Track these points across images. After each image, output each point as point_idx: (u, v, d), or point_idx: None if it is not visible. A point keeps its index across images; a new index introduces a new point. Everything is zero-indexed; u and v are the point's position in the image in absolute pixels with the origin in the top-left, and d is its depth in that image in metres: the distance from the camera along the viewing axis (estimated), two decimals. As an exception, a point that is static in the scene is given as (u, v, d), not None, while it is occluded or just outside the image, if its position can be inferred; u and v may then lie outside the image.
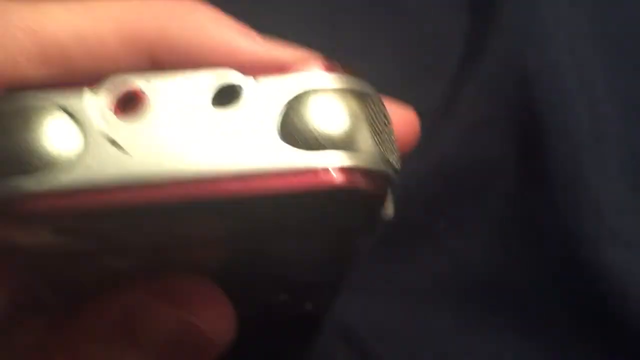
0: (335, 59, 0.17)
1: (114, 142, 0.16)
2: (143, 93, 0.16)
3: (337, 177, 0.15)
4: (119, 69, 0.17)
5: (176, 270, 0.20)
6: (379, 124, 0.17)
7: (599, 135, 0.30)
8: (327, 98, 0.16)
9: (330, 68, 0.17)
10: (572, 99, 0.30)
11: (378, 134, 0.17)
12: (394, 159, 0.17)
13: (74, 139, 0.16)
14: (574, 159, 0.29)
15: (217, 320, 0.20)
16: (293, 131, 0.16)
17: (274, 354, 0.28)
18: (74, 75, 0.17)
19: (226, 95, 0.16)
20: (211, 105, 0.16)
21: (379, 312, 0.29)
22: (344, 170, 0.16)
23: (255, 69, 0.16)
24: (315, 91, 0.16)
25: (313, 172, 0.15)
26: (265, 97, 0.16)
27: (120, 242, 0.17)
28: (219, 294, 0.20)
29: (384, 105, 0.17)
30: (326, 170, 0.15)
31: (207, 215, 0.16)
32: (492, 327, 0.28)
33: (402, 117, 0.21)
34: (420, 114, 0.30)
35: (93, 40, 0.18)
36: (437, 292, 0.29)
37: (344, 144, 0.16)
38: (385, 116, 0.17)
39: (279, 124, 0.16)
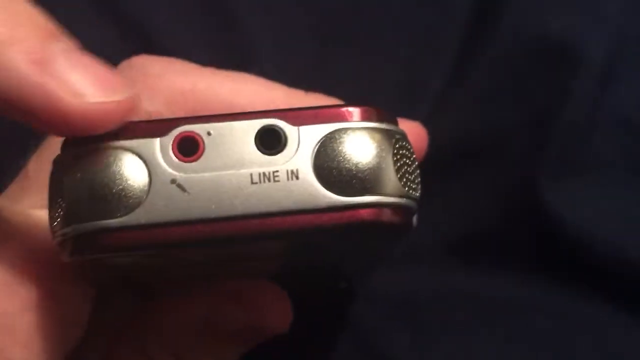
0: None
1: (176, 183, 0.18)
2: (201, 139, 0.19)
3: (366, 215, 0.18)
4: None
5: (240, 275, 0.23)
6: (404, 159, 0.19)
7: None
8: (355, 137, 0.19)
9: (360, 110, 0.19)
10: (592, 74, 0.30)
11: (403, 169, 0.19)
12: (417, 190, 0.20)
13: (144, 180, 0.18)
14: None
15: (279, 314, 0.23)
16: (326, 170, 0.18)
17: (311, 325, 0.29)
18: (144, 124, 0.19)
19: (271, 141, 0.19)
20: (257, 151, 0.19)
21: (405, 279, 0.30)
22: (372, 208, 0.18)
23: (296, 117, 0.19)
24: (344, 131, 0.19)
25: (346, 211, 0.18)
26: (302, 142, 0.19)
27: (185, 261, 0.20)
28: (278, 292, 0.23)
29: (408, 141, 0.20)
30: (357, 209, 0.18)
31: (258, 244, 0.19)
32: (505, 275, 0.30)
33: (412, 132, 0.22)
34: (429, 84, 0.32)
35: None
36: (449, 251, 0.31)
37: (372, 182, 0.18)
38: (409, 150, 0.20)
39: (313, 164, 0.18)
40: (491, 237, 0.31)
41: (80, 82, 0.17)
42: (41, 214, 0.22)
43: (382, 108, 0.20)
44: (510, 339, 0.29)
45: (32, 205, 0.22)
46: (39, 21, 0.18)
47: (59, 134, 0.18)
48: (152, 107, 0.22)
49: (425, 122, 0.27)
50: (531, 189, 0.30)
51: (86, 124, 0.18)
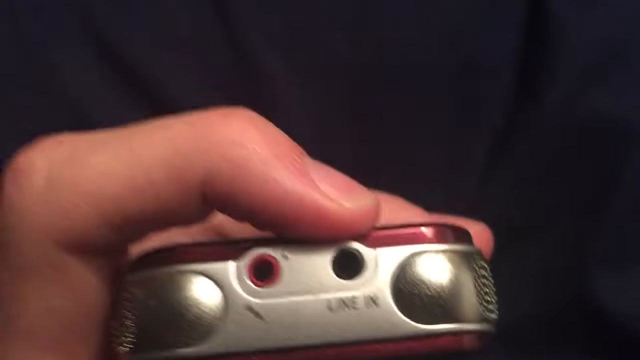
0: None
1: (252, 310, 0.18)
2: (277, 262, 0.18)
3: (448, 343, 0.18)
4: (171, 209, 0.18)
5: None
6: (482, 280, 0.19)
7: None
8: (435, 262, 0.18)
9: (437, 230, 0.19)
10: None
11: (482, 292, 0.19)
12: (495, 310, 0.19)
13: (219, 306, 0.18)
14: None
15: None
16: (406, 296, 0.18)
17: None
18: (217, 246, 0.19)
19: (348, 265, 0.18)
20: (334, 275, 0.18)
21: None
22: (453, 336, 0.18)
23: (373, 239, 0.18)
24: (423, 254, 0.18)
25: (427, 339, 0.18)
26: (380, 266, 0.18)
27: None
28: None
29: (486, 260, 0.19)
30: (438, 337, 0.18)
31: None
32: None
33: (480, 236, 0.22)
34: (474, 160, 0.31)
35: (147, 190, 0.18)
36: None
37: (454, 309, 0.18)
38: (487, 270, 0.19)
39: (392, 290, 0.18)
40: (537, 321, 0.30)
41: (333, 191, 0.18)
42: None
43: (457, 227, 0.19)
44: None
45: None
46: (290, 141, 0.19)
47: (319, 237, 0.18)
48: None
49: (470, 200, 0.26)
50: (579, 273, 0.29)
51: (347, 226, 0.18)
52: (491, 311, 0.19)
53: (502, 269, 0.30)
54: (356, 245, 0.18)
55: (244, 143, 0.18)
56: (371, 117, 0.32)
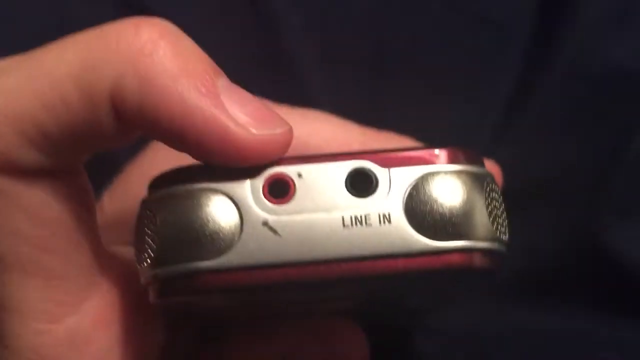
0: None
1: (268, 226, 0.18)
2: (292, 180, 0.19)
3: (458, 260, 0.18)
4: (87, 126, 0.18)
5: (319, 314, 0.23)
6: (494, 202, 0.19)
7: None
8: (447, 181, 0.19)
9: (450, 152, 0.19)
10: None
11: (494, 213, 0.19)
12: (507, 233, 0.19)
13: (236, 222, 0.18)
14: None
15: (357, 350, 0.23)
16: (418, 214, 0.18)
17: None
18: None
19: (362, 184, 0.18)
20: (348, 193, 0.18)
21: (468, 315, 0.30)
22: (464, 253, 0.18)
23: (386, 160, 0.19)
24: (436, 174, 0.19)
25: (439, 255, 0.18)
26: (394, 185, 0.18)
27: (270, 303, 0.21)
28: (356, 330, 0.23)
29: (497, 183, 0.20)
30: (449, 254, 0.18)
31: (348, 286, 0.19)
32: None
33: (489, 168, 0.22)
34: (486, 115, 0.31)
35: (59, 106, 0.18)
36: (511, 288, 0.30)
37: (465, 226, 0.18)
38: (498, 193, 0.20)
39: (405, 207, 0.18)
40: (554, 273, 0.31)
41: (242, 116, 0.18)
42: (123, 251, 0.22)
43: (470, 149, 0.20)
44: None
45: (112, 241, 0.22)
46: (204, 57, 0.18)
47: (223, 163, 0.18)
48: None
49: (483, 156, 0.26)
50: (594, 225, 0.29)
51: (252, 154, 0.18)
52: (502, 232, 0.19)
53: (514, 224, 0.31)
54: (370, 165, 0.19)
55: (152, 55, 0.18)
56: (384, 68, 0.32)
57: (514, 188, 0.29)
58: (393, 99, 0.32)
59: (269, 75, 0.32)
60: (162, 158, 0.22)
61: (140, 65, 0.18)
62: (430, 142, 0.24)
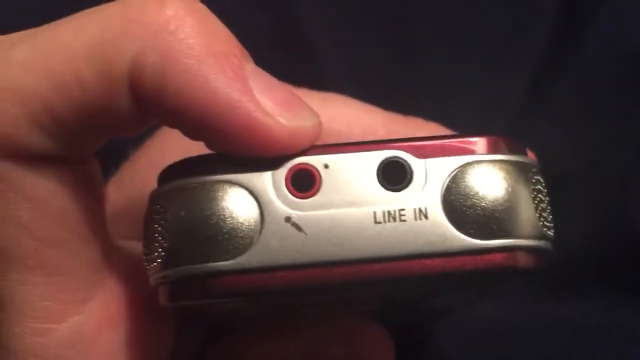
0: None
1: (291, 222, 0.16)
2: (317, 172, 0.17)
3: (502, 260, 0.16)
4: (101, 108, 0.16)
5: (341, 312, 0.21)
6: (540, 195, 0.17)
7: None
8: (490, 172, 0.17)
9: (491, 140, 0.17)
10: None
11: (540, 207, 0.17)
12: (552, 228, 0.18)
13: (256, 218, 0.16)
14: None
15: (379, 349, 0.22)
16: (457, 209, 0.16)
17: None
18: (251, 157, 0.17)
19: (395, 175, 0.17)
20: (380, 186, 0.17)
21: (493, 306, 0.29)
22: (508, 252, 0.16)
23: (421, 149, 0.17)
24: (476, 165, 0.17)
25: (480, 255, 0.16)
26: (430, 177, 0.17)
27: (292, 304, 0.19)
28: (377, 329, 0.22)
29: (541, 173, 0.18)
30: (492, 253, 0.16)
31: (379, 288, 0.17)
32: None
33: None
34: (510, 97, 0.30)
35: (73, 83, 0.16)
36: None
37: (510, 223, 0.16)
38: (543, 184, 0.18)
39: (443, 202, 0.17)
40: (582, 261, 0.29)
41: (270, 104, 0.17)
42: (129, 245, 0.20)
43: (511, 137, 0.18)
44: None
45: (117, 234, 0.20)
46: (232, 38, 0.17)
47: (244, 154, 0.17)
48: None
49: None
50: (624, 211, 0.28)
51: (279, 145, 0.17)
52: (549, 228, 0.18)
53: None
54: (404, 155, 0.17)
55: (177, 31, 0.16)
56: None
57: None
58: (413, 81, 0.31)
59: (282, 56, 0.30)
60: (173, 145, 0.21)
61: (163, 42, 0.16)
62: (452, 126, 0.23)
